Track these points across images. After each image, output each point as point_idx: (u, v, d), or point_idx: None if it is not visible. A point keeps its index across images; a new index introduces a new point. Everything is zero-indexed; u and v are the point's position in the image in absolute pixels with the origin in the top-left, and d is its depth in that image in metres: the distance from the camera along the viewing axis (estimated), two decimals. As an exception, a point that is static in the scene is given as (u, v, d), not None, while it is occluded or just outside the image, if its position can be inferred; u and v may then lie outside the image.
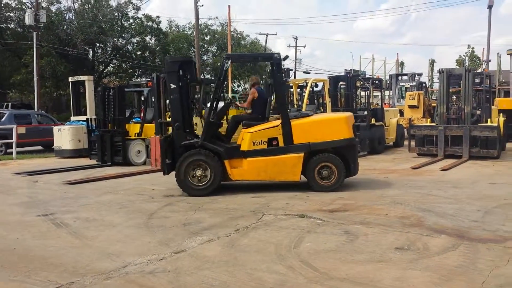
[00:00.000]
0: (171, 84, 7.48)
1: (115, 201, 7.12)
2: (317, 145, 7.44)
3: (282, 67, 7.65)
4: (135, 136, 12.07)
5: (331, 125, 7.70)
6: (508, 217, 5.55)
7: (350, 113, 8.43)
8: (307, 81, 14.06)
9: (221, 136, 7.93)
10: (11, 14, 34.27)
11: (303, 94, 14.33)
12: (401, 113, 18.33)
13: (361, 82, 15.23)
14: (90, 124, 12.97)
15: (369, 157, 12.62)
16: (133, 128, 12.31)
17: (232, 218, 5.80)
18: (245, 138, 7.49)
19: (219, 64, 37.29)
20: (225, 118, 8.25)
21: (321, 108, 14.27)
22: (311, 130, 7.53)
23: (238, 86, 44.83)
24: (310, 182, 7.52)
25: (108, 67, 37.63)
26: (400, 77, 25.09)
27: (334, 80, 14.75)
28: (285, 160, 7.39)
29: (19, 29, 34.34)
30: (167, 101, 11.15)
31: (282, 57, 7.74)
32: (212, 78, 35.29)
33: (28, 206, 6.75)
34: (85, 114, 14.81)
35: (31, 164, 12.09)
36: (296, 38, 49.97)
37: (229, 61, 7.66)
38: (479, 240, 4.63)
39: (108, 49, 35.94)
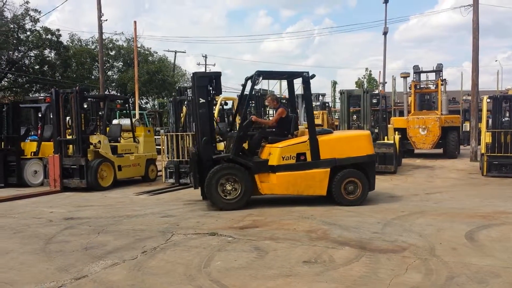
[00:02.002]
0: (200, 99, 7.56)
1: (8, 225, 6.50)
2: (343, 161, 7.68)
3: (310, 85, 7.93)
4: (31, 155, 11.23)
5: (355, 142, 7.97)
6: (405, 228, 5.94)
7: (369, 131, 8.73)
8: (216, 99, 14.11)
9: (244, 151, 7.96)
10: None
11: (213, 112, 14.36)
12: (307, 131, 19.06)
13: (269, 101, 15.59)
14: (-21, 142, 11.80)
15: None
16: (29, 146, 11.45)
17: (139, 240, 5.56)
18: (274, 153, 7.60)
19: (125, 80, 36.22)
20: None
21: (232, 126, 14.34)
22: (336, 146, 7.75)
23: (146, 103, 43.80)
24: (336, 197, 7.65)
25: (2, 82, 34.76)
26: (305, 96, 26.14)
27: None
28: (314, 175, 7.57)
29: None
30: (68, 118, 10.59)
31: (311, 75, 7.99)
32: (118, 94, 34.13)
33: None
34: (-26, 132, 13.47)
35: None
36: (205, 57, 50.30)
37: (260, 78, 7.74)
38: (379, 251, 4.89)
39: (2, 62, 33.25)
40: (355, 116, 16.33)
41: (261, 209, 7.44)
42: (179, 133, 10.79)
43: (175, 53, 46.75)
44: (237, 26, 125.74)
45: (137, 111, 22.51)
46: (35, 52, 34.14)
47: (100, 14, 23.32)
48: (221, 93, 8.25)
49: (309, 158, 7.63)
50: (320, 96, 25.08)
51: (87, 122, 10.94)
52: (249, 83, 7.89)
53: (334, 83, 56.35)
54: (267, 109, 15.80)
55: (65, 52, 35.20)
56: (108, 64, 38.82)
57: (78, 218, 6.95)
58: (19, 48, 33.16)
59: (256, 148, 8.16)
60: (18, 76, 33.85)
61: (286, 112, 8.22)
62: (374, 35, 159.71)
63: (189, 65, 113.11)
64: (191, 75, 8.00)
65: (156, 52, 44.04)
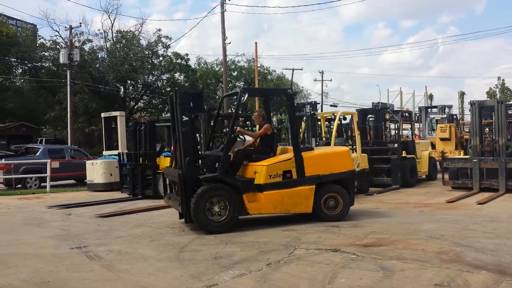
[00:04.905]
0: (184, 116, 7.28)
1: (146, 234, 7.13)
2: (327, 177, 7.69)
3: (295, 101, 7.85)
4: (165, 170, 12.17)
5: (337, 158, 8.02)
6: (553, 253, 5.28)
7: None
8: (335, 114, 14.00)
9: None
10: (46, 54, 35.91)
11: (331, 127, 14.29)
12: (433, 146, 17.99)
13: (390, 115, 15.09)
14: (121, 158, 13.20)
15: (402, 190, 12.34)
16: (164, 161, 12.42)
17: (263, 252, 5.72)
18: (260, 171, 7.38)
19: (246, 98, 37.86)
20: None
21: (349, 141, 14.15)
22: (320, 163, 7.76)
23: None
24: (317, 213, 7.62)
25: (139, 103, 38.62)
26: (429, 109, 24.76)
27: (363, 113, 14.67)
28: (300, 192, 7.49)
29: (53, 68, 35.85)
30: (197, 135, 11.31)
31: (294, 92, 7.89)
32: (243, 112, 35.71)
33: (62, 239, 6.84)
34: (117, 149, 15.11)
35: (65, 198, 12.33)
36: (322, 72, 50.47)
37: (246, 95, 7.69)
38: (523, 277, 4.42)
39: (138, 86, 37.01)
40: (487, 129, 14.96)
41: (385, 226, 7.18)
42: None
43: (293, 70, 47.60)
44: (354, 40, 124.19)
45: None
46: (167, 75, 37.39)
47: (224, 38, 24.80)
48: (202, 111, 7.97)
49: (294, 176, 7.46)
50: (447, 108, 23.48)
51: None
52: (225, 100, 7.70)
53: (462, 94, 52.73)
54: (388, 123, 15.34)
55: (193, 75, 38.02)
56: (230, 84, 40.94)
57: (206, 229, 7.34)
58: (153, 72, 36.58)
59: (239, 167, 7.75)
60: (153, 98, 37.32)
61: (271, 130, 7.95)
62: (505, 42, 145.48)
63: (306, 81, 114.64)
64: (174, 92, 7.62)
65: (275, 71, 45.47)
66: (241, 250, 5.87)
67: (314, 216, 7.66)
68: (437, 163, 15.75)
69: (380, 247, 5.86)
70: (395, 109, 29.98)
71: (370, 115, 15.05)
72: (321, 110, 37.04)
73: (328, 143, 11.50)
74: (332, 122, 14.85)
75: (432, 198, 10.83)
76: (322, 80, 50.48)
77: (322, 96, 49.44)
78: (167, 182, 8.52)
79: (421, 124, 24.57)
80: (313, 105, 13.94)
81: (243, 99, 7.58)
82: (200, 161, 7.58)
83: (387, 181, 13.01)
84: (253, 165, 7.60)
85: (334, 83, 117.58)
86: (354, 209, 9.08)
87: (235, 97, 7.86)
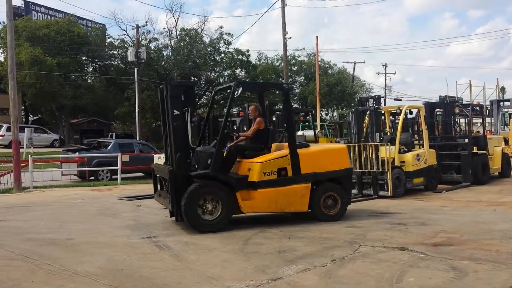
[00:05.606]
0: (175, 110, 6.94)
1: (211, 226, 7.29)
2: (323, 175, 7.45)
3: (290, 96, 7.52)
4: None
5: (333, 155, 7.78)
6: None
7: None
8: (400, 108, 13.55)
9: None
10: (115, 52, 37.68)
11: (396, 121, 13.86)
12: (506, 141, 16.97)
13: (460, 109, 14.38)
14: (186, 152, 13.54)
15: (473, 188, 11.74)
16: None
17: (327, 248, 5.68)
18: (254, 168, 7.10)
19: (305, 93, 37.61)
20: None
21: (416, 136, 13.68)
22: (316, 160, 7.50)
23: (326, 114, 44.63)
24: (314, 212, 7.40)
25: (202, 99, 39.51)
26: (502, 103, 23.40)
27: (430, 106, 14.10)
28: (295, 190, 7.23)
29: (122, 66, 37.54)
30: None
31: (289, 86, 7.59)
32: (300, 107, 35.60)
33: (133, 229, 7.17)
34: (182, 143, 15.54)
35: (134, 190, 12.83)
36: (385, 65, 49.16)
37: (240, 89, 7.42)
38: None
39: (201, 82, 37.84)
40: None
41: (455, 225, 6.89)
42: (361, 144, 10.71)
43: (354, 64, 46.76)
44: (419, 31, 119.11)
45: (318, 123, 23.16)
46: (228, 71, 37.97)
47: (284, 33, 24.77)
48: (194, 105, 7.55)
49: (290, 173, 7.17)
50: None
51: (275, 133, 11.63)
52: (212, 95, 7.39)
53: (539, 87, 49.16)
54: (457, 117, 14.64)
55: (254, 71, 38.32)
56: (291, 79, 40.88)
57: (269, 223, 7.33)
58: (215, 69, 37.30)
59: (232, 164, 7.36)
60: (215, 94, 38.06)
61: (264, 124, 7.60)
62: None
63: (368, 75, 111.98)
64: (164, 84, 7.26)
65: (336, 65, 44.75)
66: (304, 245, 5.87)
67: (311, 215, 7.43)
68: (511, 159, 14.87)
69: (451, 246, 5.64)
70: (465, 102, 28.60)
71: (438, 109, 14.45)
72: (385, 104, 36.11)
73: (393, 138, 11.20)
74: (397, 117, 14.37)
75: (506, 196, 10.23)
76: (386, 73, 49.25)
77: (385, 89, 48.23)
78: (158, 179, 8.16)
79: (492, 119, 23.28)
80: (377, 99, 13.52)
81: (237, 93, 7.35)
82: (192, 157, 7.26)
83: (457, 178, 12.45)
84: (247, 161, 7.31)
85: (398, 76, 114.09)
86: (421, 207, 8.84)
87: (229, 91, 7.63)
